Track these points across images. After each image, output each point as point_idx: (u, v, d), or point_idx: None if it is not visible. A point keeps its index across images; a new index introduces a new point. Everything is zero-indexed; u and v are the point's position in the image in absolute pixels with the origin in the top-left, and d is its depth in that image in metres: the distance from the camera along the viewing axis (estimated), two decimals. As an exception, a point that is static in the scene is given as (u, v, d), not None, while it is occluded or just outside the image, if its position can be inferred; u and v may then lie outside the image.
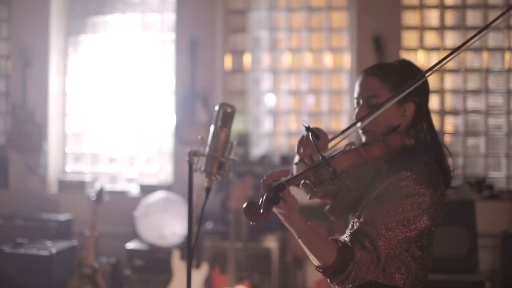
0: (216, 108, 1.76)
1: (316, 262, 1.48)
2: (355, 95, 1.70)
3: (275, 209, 1.41)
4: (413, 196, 1.51)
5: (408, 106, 1.64)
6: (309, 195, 1.53)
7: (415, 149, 1.64)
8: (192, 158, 1.76)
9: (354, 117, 1.69)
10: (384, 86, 1.64)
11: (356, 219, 1.56)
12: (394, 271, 1.56)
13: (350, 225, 1.58)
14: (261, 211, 1.36)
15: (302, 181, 1.50)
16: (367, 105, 1.65)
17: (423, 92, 1.68)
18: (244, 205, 1.39)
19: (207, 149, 1.75)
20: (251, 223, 1.38)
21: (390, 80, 1.64)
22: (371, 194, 1.59)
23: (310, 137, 1.52)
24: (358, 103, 1.69)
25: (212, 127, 1.76)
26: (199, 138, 1.77)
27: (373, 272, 1.49)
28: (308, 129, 1.53)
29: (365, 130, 1.66)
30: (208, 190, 1.78)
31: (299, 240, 1.46)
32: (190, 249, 1.75)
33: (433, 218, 1.55)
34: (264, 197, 1.37)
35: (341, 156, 1.52)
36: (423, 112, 1.67)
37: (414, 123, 1.67)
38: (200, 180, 1.80)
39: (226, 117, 1.76)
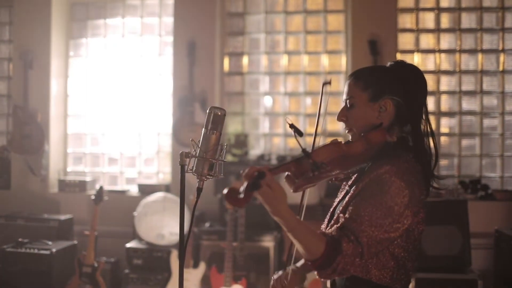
0: (207, 111, 1.82)
1: (305, 254, 1.54)
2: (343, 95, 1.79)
3: (263, 199, 1.46)
4: (394, 190, 1.54)
5: (384, 103, 1.68)
6: (292, 188, 1.60)
7: (397, 146, 1.68)
8: (184, 160, 1.82)
9: (336, 118, 1.79)
10: (358, 86, 1.71)
11: (342, 214, 1.60)
12: (371, 266, 1.60)
13: (332, 219, 1.65)
14: (241, 196, 1.43)
15: (286, 174, 1.57)
16: (346, 106, 1.74)
17: (410, 93, 1.69)
18: (225, 190, 1.44)
19: (198, 151, 1.81)
20: (229, 207, 1.47)
21: (361, 79, 1.71)
22: (354, 188, 1.65)
23: (293, 133, 1.62)
24: (344, 102, 1.78)
25: (203, 130, 1.82)
26: (191, 140, 1.83)
27: (358, 265, 1.54)
28: (291, 126, 1.62)
29: (348, 129, 1.75)
30: (199, 190, 1.84)
31: (289, 234, 1.52)
32: (182, 248, 1.81)
33: (415, 217, 1.58)
34: (245, 184, 1.44)
35: (321, 148, 1.60)
36: (408, 113, 1.69)
37: (397, 122, 1.70)
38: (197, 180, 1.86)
39: (217, 120, 1.81)
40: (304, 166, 1.55)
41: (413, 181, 1.58)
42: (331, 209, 1.83)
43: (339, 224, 1.57)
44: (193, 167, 1.82)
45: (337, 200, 1.84)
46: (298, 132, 1.61)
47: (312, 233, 1.53)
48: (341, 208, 1.66)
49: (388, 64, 1.78)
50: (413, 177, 1.59)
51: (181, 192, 1.84)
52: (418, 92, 1.72)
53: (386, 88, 1.69)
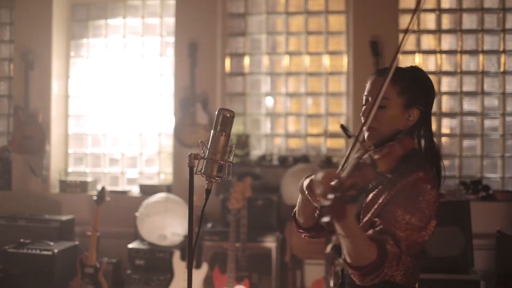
0: (216, 113, 1.83)
1: (355, 260, 1.50)
2: (365, 92, 1.78)
3: None
4: (428, 196, 1.58)
5: (413, 112, 1.73)
6: None
7: (420, 152, 1.73)
8: (193, 161, 1.82)
9: (361, 113, 1.77)
10: (394, 89, 1.72)
11: (375, 218, 1.60)
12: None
13: (363, 222, 1.65)
14: (342, 209, 1.35)
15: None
16: (374, 104, 1.72)
17: (429, 101, 1.77)
18: (327, 203, 1.35)
19: (207, 152, 1.81)
20: (327, 219, 1.32)
21: (399, 84, 1.72)
22: (386, 192, 1.63)
23: (347, 134, 1.60)
24: (367, 100, 1.77)
25: (212, 132, 1.82)
26: (200, 142, 1.84)
27: (394, 268, 1.54)
28: (344, 128, 1.61)
29: (370, 128, 1.74)
30: (208, 192, 1.84)
31: (346, 239, 1.47)
32: (191, 250, 1.81)
33: (437, 219, 1.62)
34: (339, 196, 1.35)
35: (383, 158, 1.57)
36: (424, 120, 1.76)
37: (413, 129, 1.75)
38: (199, 181, 1.86)
39: (225, 121, 1.81)
40: (366, 173, 1.52)
41: (436, 185, 1.64)
42: None
43: (377, 228, 1.57)
44: (201, 169, 1.82)
45: None
46: (348, 134, 1.60)
47: (367, 239, 1.51)
48: (372, 211, 1.64)
49: (407, 68, 1.80)
50: (435, 182, 1.64)
51: (189, 193, 1.84)
52: (433, 100, 1.79)
53: (417, 98, 1.73)
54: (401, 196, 1.60)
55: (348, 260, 1.52)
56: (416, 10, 1.59)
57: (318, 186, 1.39)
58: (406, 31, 1.57)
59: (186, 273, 4.26)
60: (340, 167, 1.66)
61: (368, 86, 1.78)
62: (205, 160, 1.81)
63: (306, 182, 1.72)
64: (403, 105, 1.72)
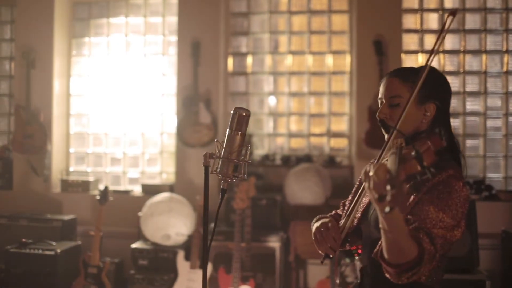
0: (232, 111, 1.82)
1: (394, 256, 1.47)
2: (379, 95, 1.80)
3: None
4: (460, 194, 1.57)
5: (428, 106, 1.73)
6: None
7: (447, 150, 1.70)
8: (208, 161, 1.81)
9: (377, 115, 1.78)
10: (405, 86, 1.73)
11: (408, 216, 1.57)
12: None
13: (367, 217, 1.65)
14: (405, 199, 1.32)
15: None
16: (389, 104, 1.75)
17: (445, 98, 1.78)
18: (389, 194, 1.29)
19: (222, 151, 1.80)
20: (388, 210, 1.27)
21: (411, 80, 1.72)
22: (417, 190, 1.61)
23: (386, 127, 1.68)
24: (381, 103, 1.78)
25: (227, 130, 1.81)
26: (215, 141, 1.83)
27: (429, 267, 1.52)
28: (382, 122, 1.68)
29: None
30: (223, 191, 1.83)
31: (390, 234, 1.43)
32: (206, 249, 1.79)
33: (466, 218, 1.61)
34: (400, 186, 1.30)
35: (426, 153, 1.53)
36: (443, 116, 1.76)
37: (433, 127, 1.73)
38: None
39: (241, 121, 1.81)
40: (411, 167, 1.48)
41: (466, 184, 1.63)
42: (363, 207, 1.79)
43: (412, 226, 1.54)
44: (217, 168, 1.80)
45: (365, 199, 1.80)
46: (387, 126, 1.61)
47: (410, 236, 1.47)
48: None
49: (420, 67, 1.80)
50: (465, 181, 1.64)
51: (204, 193, 1.82)
52: (449, 97, 1.81)
53: (431, 92, 1.73)
54: (433, 194, 1.59)
55: (386, 257, 1.49)
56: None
57: (371, 179, 1.34)
58: (440, 32, 1.56)
59: (190, 273, 4.22)
60: (375, 161, 1.65)
61: (381, 89, 1.79)
62: (221, 160, 1.80)
63: (314, 228, 1.82)
64: (417, 100, 1.71)
